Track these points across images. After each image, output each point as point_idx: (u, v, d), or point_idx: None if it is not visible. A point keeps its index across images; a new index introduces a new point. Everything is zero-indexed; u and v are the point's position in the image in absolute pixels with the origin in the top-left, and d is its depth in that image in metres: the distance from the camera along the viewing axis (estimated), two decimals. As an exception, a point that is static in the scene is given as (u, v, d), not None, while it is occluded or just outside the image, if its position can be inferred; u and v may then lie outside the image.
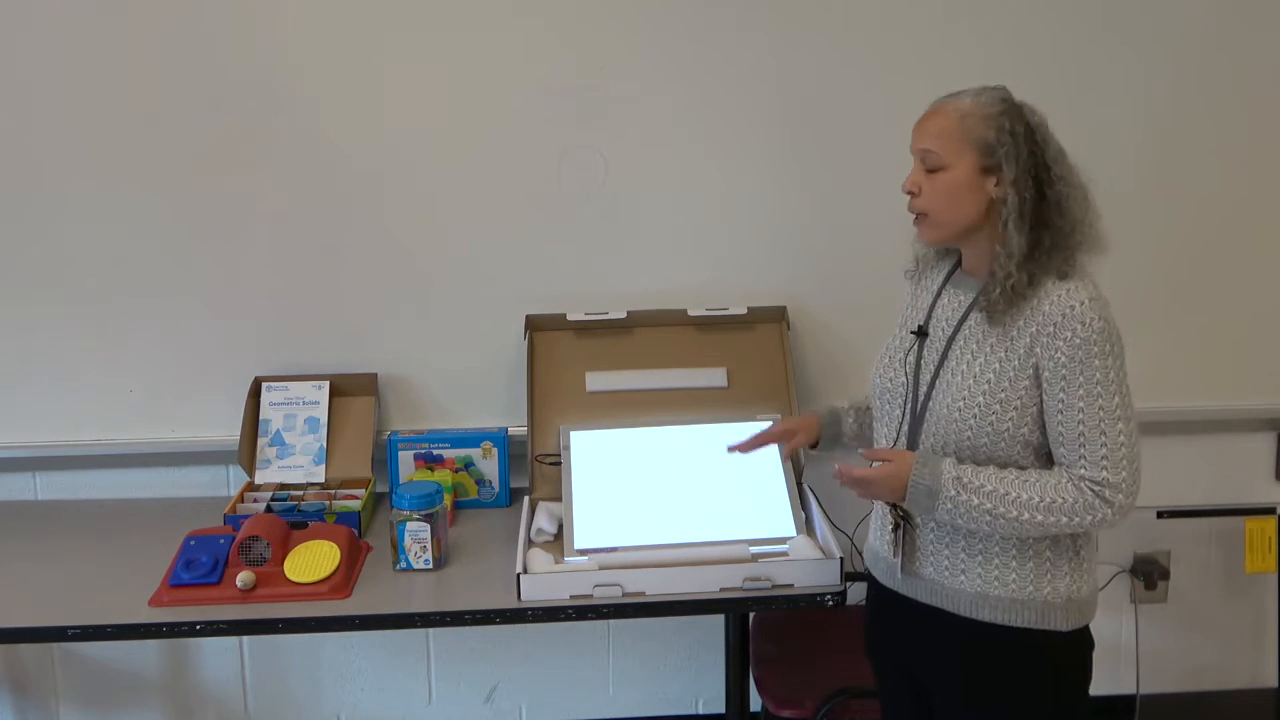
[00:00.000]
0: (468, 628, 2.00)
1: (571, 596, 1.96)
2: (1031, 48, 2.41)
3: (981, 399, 1.63)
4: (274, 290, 2.46)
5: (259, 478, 2.39)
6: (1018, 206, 1.60)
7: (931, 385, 1.70)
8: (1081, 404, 1.57)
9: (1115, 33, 2.43)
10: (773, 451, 2.29)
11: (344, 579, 2.02)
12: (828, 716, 2.15)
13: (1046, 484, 1.59)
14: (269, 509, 2.27)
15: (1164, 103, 2.47)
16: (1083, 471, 1.58)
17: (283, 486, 2.38)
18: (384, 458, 2.42)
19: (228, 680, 2.71)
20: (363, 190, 2.42)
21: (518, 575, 1.96)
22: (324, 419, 2.43)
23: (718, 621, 2.54)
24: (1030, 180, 1.61)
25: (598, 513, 2.15)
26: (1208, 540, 2.76)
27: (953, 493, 1.61)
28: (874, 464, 1.71)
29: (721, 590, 1.97)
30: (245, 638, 2.67)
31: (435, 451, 2.41)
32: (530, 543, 2.15)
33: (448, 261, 2.46)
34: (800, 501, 2.18)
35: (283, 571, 2.01)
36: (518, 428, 2.45)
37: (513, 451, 2.43)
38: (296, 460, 2.41)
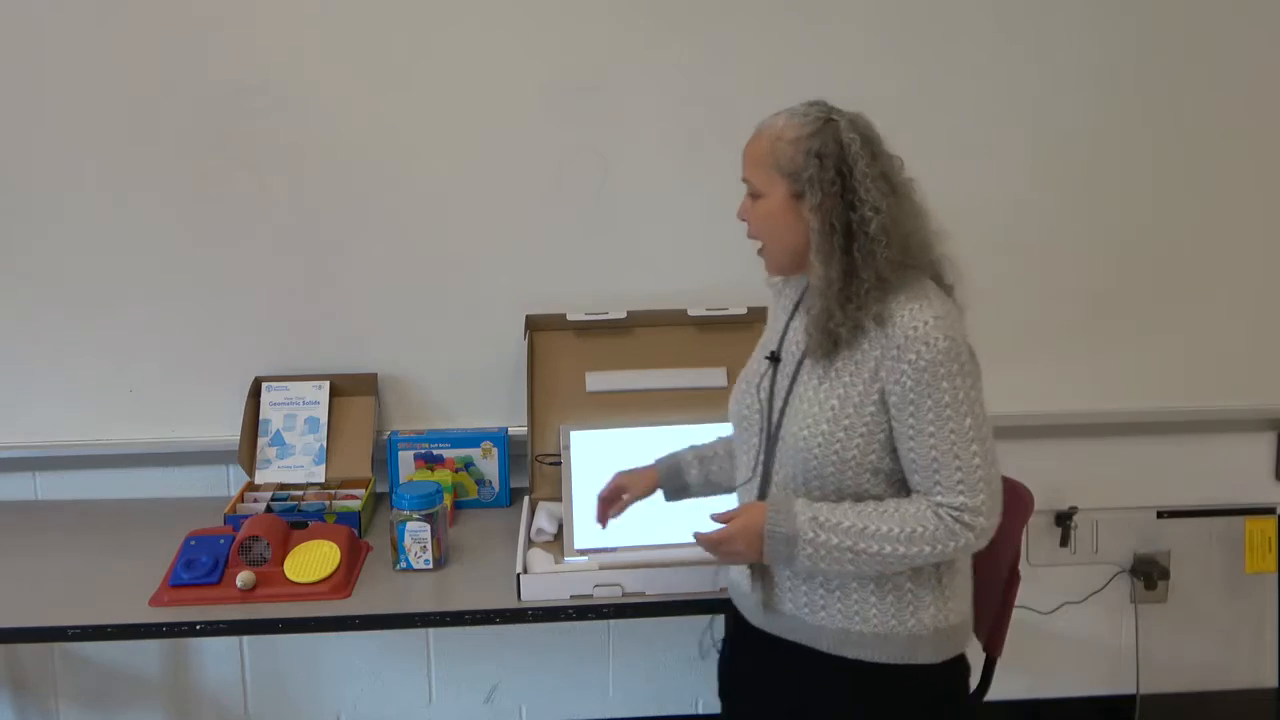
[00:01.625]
0: (468, 628, 2.00)
1: (571, 596, 1.96)
2: (1030, 45, 2.40)
3: (826, 426, 1.56)
4: (274, 290, 2.46)
5: (259, 478, 2.39)
6: (825, 235, 1.53)
7: (782, 412, 1.64)
8: (932, 428, 1.51)
9: (1113, 33, 2.42)
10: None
11: (344, 579, 2.02)
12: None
13: (906, 514, 1.53)
14: (269, 509, 2.27)
15: (1166, 101, 2.46)
16: (940, 498, 1.52)
17: (283, 486, 2.38)
18: (384, 458, 2.42)
19: (228, 680, 2.71)
20: (363, 190, 2.42)
21: (518, 575, 1.96)
22: (324, 419, 2.43)
23: (717, 622, 2.54)
24: (840, 206, 1.53)
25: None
26: (1208, 540, 2.76)
27: (810, 534, 1.53)
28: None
29: (721, 590, 1.97)
30: (245, 638, 2.66)
31: (435, 451, 2.41)
32: (530, 543, 2.15)
33: (448, 261, 2.46)
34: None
35: (283, 571, 2.01)
36: (518, 428, 2.45)
37: (513, 451, 2.43)
38: (296, 460, 2.41)
